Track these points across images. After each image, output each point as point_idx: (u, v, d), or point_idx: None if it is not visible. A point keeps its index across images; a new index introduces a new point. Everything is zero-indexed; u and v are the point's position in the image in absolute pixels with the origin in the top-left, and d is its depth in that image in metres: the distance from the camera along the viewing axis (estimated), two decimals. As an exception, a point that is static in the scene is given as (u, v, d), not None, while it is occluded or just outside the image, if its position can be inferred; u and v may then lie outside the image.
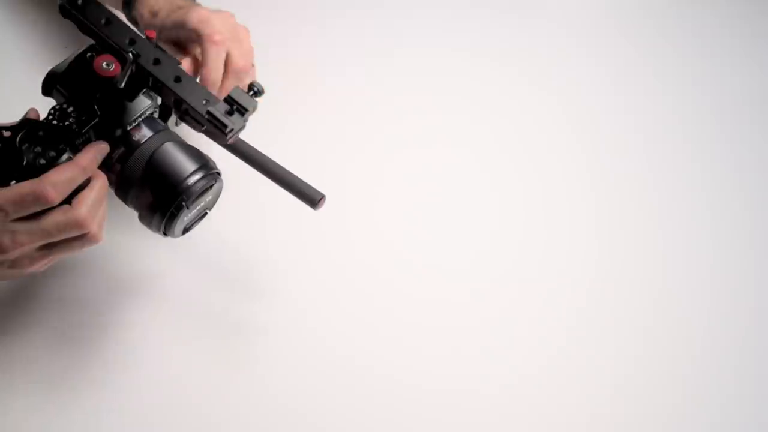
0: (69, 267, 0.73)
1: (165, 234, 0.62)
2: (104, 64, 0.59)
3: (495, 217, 0.85)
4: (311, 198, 0.67)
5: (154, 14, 0.71)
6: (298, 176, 0.68)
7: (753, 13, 1.05)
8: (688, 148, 0.93)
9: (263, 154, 0.67)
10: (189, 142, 0.65)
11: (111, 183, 0.61)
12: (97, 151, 0.59)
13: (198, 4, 0.72)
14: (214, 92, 0.67)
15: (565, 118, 0.93)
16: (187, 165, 0.61)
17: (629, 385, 0.76)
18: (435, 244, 0.82)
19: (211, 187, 0.63)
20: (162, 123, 0.63)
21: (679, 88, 0.98)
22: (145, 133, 0.62)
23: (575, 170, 0.89)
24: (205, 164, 0.62)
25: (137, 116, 0.61)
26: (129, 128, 0.61)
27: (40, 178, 0.55)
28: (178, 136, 0.63)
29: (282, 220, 0.80)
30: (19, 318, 0.70)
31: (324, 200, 0.67)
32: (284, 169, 0.68)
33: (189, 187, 0.61)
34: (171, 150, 0.62)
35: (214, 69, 0.67)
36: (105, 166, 0.60)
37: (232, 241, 0.78)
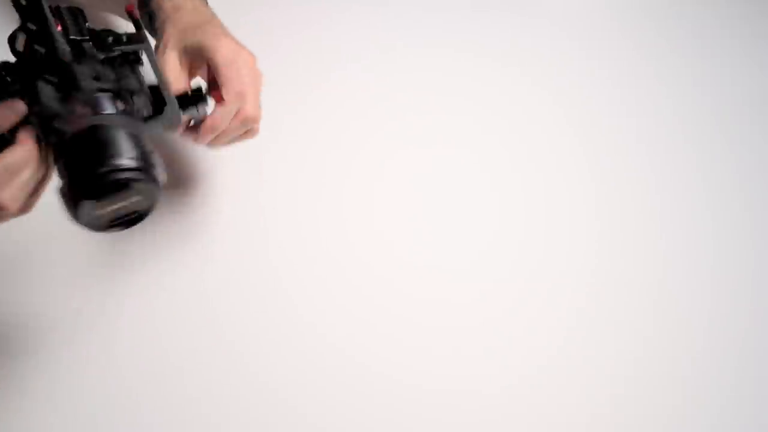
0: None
1: (75, 220, 0.56)
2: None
3: (496, 217, 0.85)
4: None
5: (177, 9, 0.70)
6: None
7: (753, 13, 1.05)
8: (688, 148, 0.93)
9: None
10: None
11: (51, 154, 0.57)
12: (5, 108, 0.55)
13: (222, 28, 0.71)
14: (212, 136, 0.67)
15: (567, 118, 0.93)
16: (110, 156, 0.54)
17: (630, 386, 0.76)
18: (436, 243, 0.82)
19: (130, 187, 0.54)
20: (120, 106, 0.58)
21: (680, 89, 0.98)
22: (90, 110, 0.57)
23: (576, 170, 0.89)
24: (139, 167, 0.54)
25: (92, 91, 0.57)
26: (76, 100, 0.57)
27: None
28: (134, 124, 0.58)
29: (281, 219, 0.80)
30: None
31: None
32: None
33: (100, 180, 0.53)
34: (105, 134, 0.55)
35: (224, 120, 0.67)
36: (45, 132, 0.56)
37: (231, 239, 0.78)
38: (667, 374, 0.77)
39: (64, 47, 0.58)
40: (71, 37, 0.59)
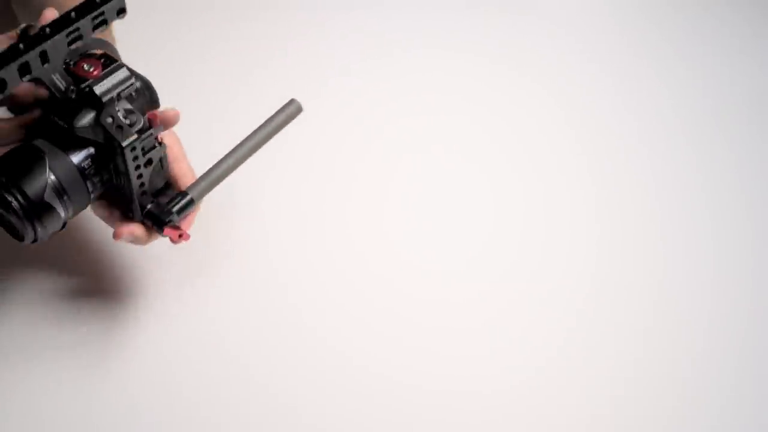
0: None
1: None
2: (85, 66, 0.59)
3: (495, 218, 0.85)
4: (297, 111, 0.69)
5: None
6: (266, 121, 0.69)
7: (753, 14, 1.05)
8: (688, 148, 0.93)
9: (235, 150, 0.68)
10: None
11: None
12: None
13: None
14: None
15: (566, 119, 0.93)
16: (20, 178, 0.57)
17: (629, 387, 0.75)
18: (436, 245, 0.82)
19: (8, 210, 0.58)
20: (86, 163, 0.61)
21: (680, 89, 0.98)
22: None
23: (576, 171, 0.89)
24: (25, 206, 0.57)
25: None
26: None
27: None
28: (78, 187, 0.60)
29: (284, 219, 0.80)
30: None
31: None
32: (255, 133, 0.68)
33: None
34: (38, 165, 0.58)
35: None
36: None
37: (232, 243, 0.78)
38: (667, 375, 0.77)
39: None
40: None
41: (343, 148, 0.87)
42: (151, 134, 0.60)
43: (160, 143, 0.62)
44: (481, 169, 0.88)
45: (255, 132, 0.68)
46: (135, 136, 0.59)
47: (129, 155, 0.59)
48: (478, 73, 0.95)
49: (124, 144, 0.58)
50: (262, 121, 0.69)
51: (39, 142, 0.59)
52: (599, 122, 0.94)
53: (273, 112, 0.70)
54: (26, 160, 0.58)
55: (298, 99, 0.88)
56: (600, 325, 0.79)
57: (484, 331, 0.77)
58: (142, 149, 0.60)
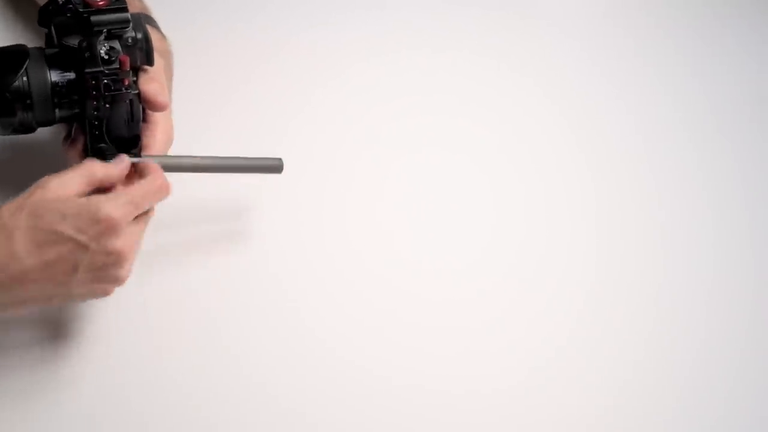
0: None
1: None
2: None
3: (496, 218, 0.85)
4: (275, 167, 0.71)
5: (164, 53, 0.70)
6: (245, 156, 0.70)
7: (753, 13, 1.05)
8: (688, 148, 0.93)
9: (204, 157, 0.68)
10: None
11: None
12: None
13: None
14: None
15: (565, 119, 0.93)
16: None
17: (629, 387, 0.76)
18: (436, 244, 0.82)
19: None
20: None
21: (680, 89, 0.98)
22: None
23: (576, 171, 0.89)
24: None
25: None
26: None
27: (155, 173, 0.61)
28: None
29: (284, 216, 0.80)
30: None
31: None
32: (229, 158, 0.69)
33: None
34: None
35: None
36: None
37: (232, 241, 0.78)
38: (667, 376, 0.77)
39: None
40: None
41: (343, 146, 0.86)
42: (117, 74, 0.61)
43: (128, 88, 0.62)
44: (481, 169, 0.88)
45: (230, 158, 0.70)
46: (100, 68, 0.61)
47: (90, 84, 0.61)
48: (478, 72, 0.95)
49: (86, 70, 0.61)
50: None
51: (32, 49, 0.62)
52: (599, 122, 0.94)
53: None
54: (10, 58, 0.61)
55: (298, 98, 0.88)
56: (600, 326, 0.79)
57: (484, 331, 0.77)
58: (106, 85, 0.61)
